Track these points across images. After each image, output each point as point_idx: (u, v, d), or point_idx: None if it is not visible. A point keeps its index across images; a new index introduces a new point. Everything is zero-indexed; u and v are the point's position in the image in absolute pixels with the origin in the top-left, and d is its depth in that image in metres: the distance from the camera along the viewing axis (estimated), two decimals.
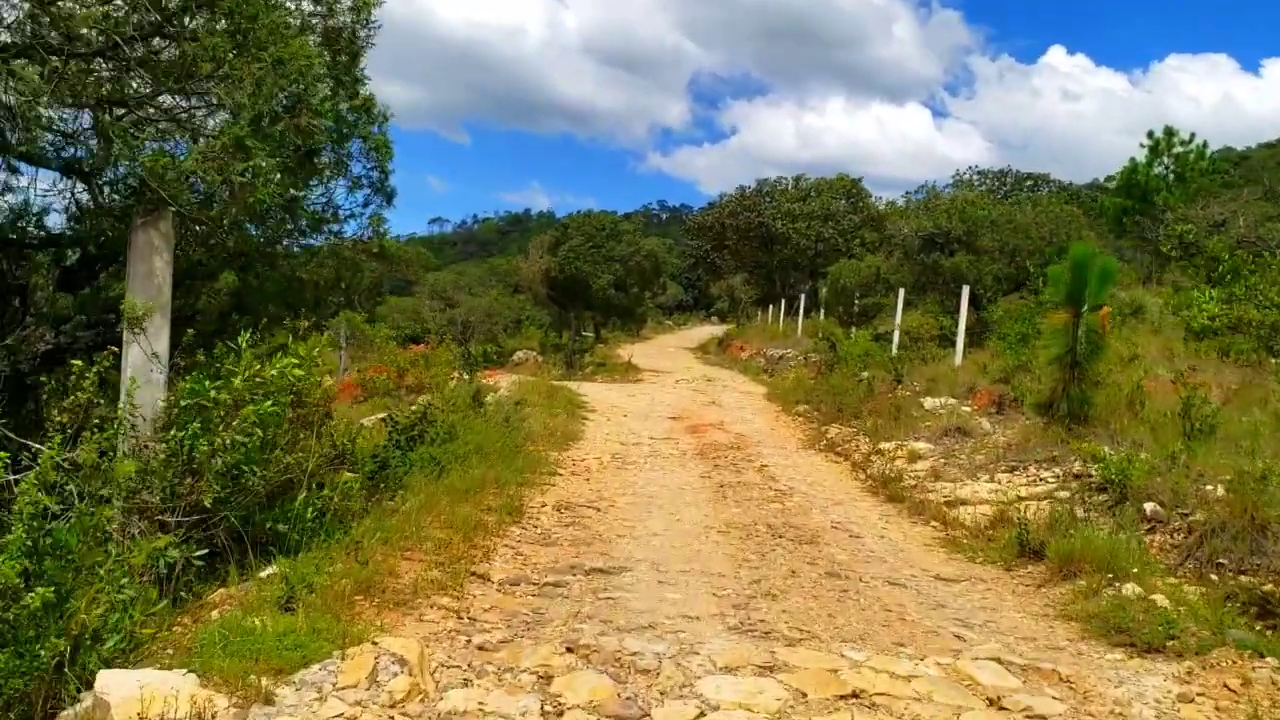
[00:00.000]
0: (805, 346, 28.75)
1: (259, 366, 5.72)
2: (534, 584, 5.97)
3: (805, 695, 4.15)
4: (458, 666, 4.33)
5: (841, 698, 4.16)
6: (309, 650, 4.14)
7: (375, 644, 4.27)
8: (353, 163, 7.25)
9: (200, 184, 5.88)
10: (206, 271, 7.51)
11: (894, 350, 21.31)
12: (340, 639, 4.31)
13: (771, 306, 43.84)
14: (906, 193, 28.11)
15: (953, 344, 20.15)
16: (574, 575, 6.18)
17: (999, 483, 9.59)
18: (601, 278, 27.07)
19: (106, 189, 6.42)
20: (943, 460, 10.99)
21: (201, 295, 7.73)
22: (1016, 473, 9.75)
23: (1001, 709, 4.18)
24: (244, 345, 5.76)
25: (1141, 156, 35.13)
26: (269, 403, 5.53)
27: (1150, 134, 35.10)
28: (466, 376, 16.15)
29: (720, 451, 11.81)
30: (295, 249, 7.58)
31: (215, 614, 4.62)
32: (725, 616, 5.43)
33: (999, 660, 4.77)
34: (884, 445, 12.05)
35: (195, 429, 5.31)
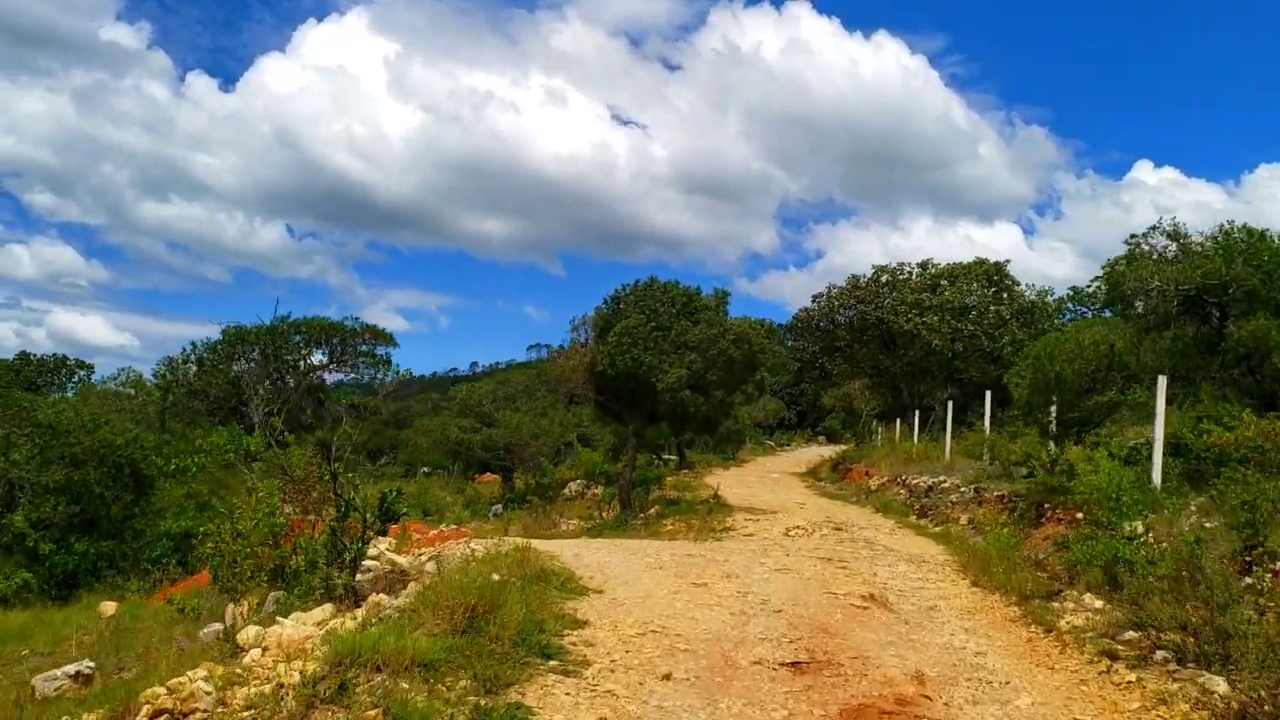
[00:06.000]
0: (968, 474, 19.49)
1: None
2: None
3: None
4: None
5: None
6: None
7: None
8: None
9: None
10: None
11: (1156, 479, 12.15)
12: None
13: (899, 421, 34.30)
14: (1132, 236, 18.53)
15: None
16: None
17: None
18: (670, 373, 18.01)
19: None
20: None
21: None
22: None
23: None
24: None
25: None
26: None
27: None
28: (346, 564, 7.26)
29: None
30: None
31: None
32: None
33: None
34: None
35: None
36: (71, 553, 15.91)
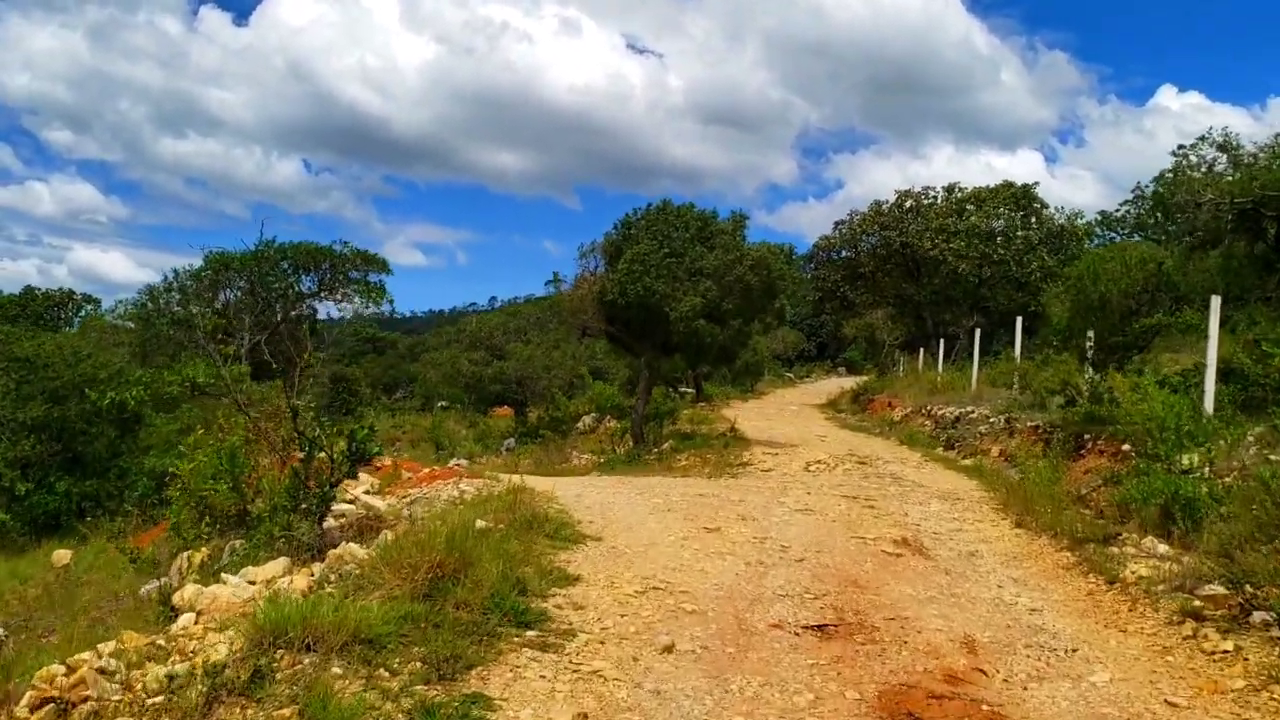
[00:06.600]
0: (997, 403, 18.50)
1: None
2: None
3: None
4: None
5: None
6: None
7: None
8: None
9: None
10: None
11: (1208, 406, 11.15)
12: None
13: (923, 351, 33.12)
14: (1180, 147, 17.18)
15: None
16: None
17: None
18: (684, 301, 16.95)
19: None
20: None
21: None
22: None
23: None
24: None
25: None
26: None
27: None
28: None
29: None
30: None
31: None
32: None
33: None
34: None
35: None
36: (53, 492, 15.11)
